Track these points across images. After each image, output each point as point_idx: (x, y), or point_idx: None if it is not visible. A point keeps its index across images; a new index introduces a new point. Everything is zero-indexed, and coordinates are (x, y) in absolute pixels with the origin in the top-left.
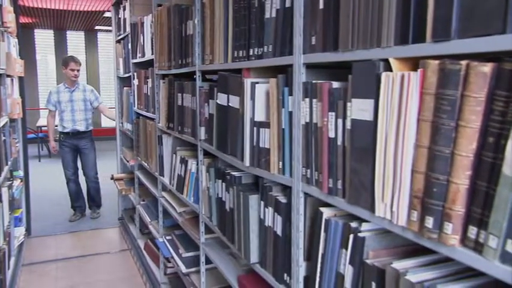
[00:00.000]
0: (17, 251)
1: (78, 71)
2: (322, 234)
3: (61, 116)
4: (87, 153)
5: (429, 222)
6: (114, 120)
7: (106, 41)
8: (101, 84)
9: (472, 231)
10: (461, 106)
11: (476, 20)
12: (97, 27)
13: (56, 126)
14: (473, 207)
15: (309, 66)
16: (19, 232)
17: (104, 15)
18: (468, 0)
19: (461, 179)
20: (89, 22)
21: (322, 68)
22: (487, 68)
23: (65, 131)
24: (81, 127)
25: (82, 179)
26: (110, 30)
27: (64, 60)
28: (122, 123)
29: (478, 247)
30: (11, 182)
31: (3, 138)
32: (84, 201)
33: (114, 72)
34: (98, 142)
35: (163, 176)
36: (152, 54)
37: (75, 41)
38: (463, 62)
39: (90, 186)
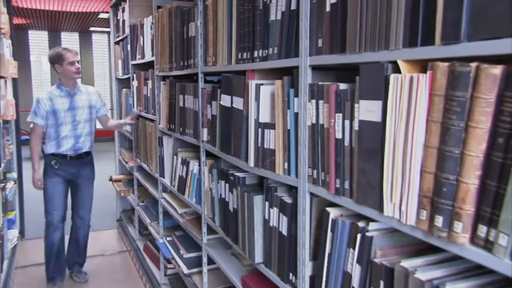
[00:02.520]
0: (11, 253)
1: (79, 63)
2: (329, 234)
3: (55, 132)
4: (86, 186)
5: (439, 221)
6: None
7: (101, 42)
8: (96, 86)
9: (482, 229)
10: (471, 107)
11: (486, 23)
12: (92, 29)
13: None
14: (483, 206)
15: (315, 68)
16: (12, 234)
17: (99, 16)
18: (478, 3)
19: (471, 179)
20: (84, 23)
21: (327, 70)
22: (497, 70)
23: (61, 152)
24: (85, 147)
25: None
26: (105, 32)
27: (55, 55)
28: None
29: (488, 245)
30: (4, 184)
31: None
32: (65, 261)
33: (110, 74)
34: (95, 143)
35: (163, 177)
36: (152, 55)
37: (70, 42)
38: (473, 64)
39: (81, 234)
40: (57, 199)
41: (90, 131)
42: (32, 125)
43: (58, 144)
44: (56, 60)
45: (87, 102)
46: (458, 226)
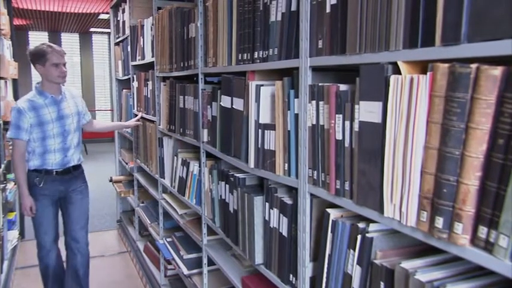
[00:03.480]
0: (11, 254)
1: (65, 66)
2: (329, 235)
3: (41, 147)
4: (78, 202)
5: (439, 222)
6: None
7: (101, 43)
8: (96, 87)
9: (482, 231)
10: (471, 108)
11: (486, 24)
12: (92, 30)
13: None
14: (483, 208)
15: (315, 69)
16: (12, 235)
17: (99, 17)
18: (478, 5)
19: (471, 180)
20: (84, 24)
21: (327, 71)
22: (498, 71)
23: (48, 168)
24: (74, 160)
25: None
26: (105, 33)
27: (36, 52)
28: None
29: (489, 246)
30: (4, 184)
31: None
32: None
33: (110, 75)
34: (95, 144)
35: (163, 178)
36: (152, 56)
37: (70, 43)
38: (473, 66)
39: (80, 263)
40: (46, 224)
41: (79, 141)
42: (12, 142)
43: (43, 159)
44: (36, 58)
45: (75, 108)
46: (458, 227)
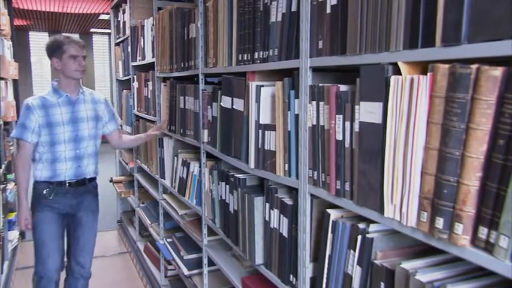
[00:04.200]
0: (11, 254)
1: (84, 59)
2: (330, 235)
3: (49, 153)
4: (89, 221)
5: (439, 222)
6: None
7: (101, 43)
8: (96, 87)
9: (483, 231)
10: (472, 109)
11: (486, 24)
12: (92, 30)
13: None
14: (483, 208)
15: (315, 70)
16: (13, 236)
17: (100, 17)
18: (478, 5)
19: (472, 181)
20: (84, 24)
21: (328, 71)
22: (498, 71)
23: (57, 179)
24: (89, 172)
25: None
26: (106, 33)
27: (53, 44)
28: (121, 125)
29: (489, 247)
30: (4, 185)
31: None
32: None
33: (110, 75)
34: None
35: (164, 179)
36: (153, 57)
37: None
38: (473, 66)
39: (81, 284)
40: (51, 242)
41: (95, 151)
42: (15, 143)
43: (53, 169)
44: (52, 50)
45: (93, 112)
46: (458, 228)
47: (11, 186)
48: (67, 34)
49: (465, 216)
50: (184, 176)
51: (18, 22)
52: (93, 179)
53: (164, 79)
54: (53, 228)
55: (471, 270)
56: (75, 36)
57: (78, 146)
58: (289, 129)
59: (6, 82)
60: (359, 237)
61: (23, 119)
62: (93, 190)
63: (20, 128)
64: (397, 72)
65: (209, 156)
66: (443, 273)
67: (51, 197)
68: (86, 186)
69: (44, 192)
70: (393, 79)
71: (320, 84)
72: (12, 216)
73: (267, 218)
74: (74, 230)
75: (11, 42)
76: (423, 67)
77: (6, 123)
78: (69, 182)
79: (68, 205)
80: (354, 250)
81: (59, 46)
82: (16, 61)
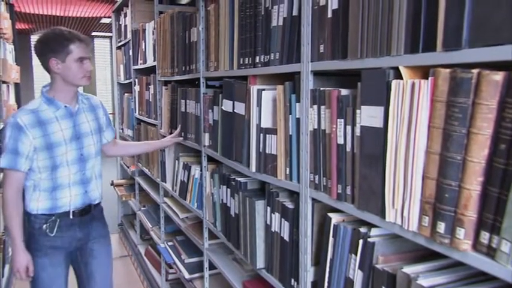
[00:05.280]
0: (12, 258)
1: (90, 60)
2: (331, 239)
3: (49, 180)
4: (103, 256)
5: (441, 227)
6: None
7: (103, 47)
8: (97, 90)
9: (485, 236)
10: (473, 113)
11: (487, 29)
12: (94, 33)
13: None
14: (485, 213)
15: (316, 74)
16: None
17: (101, 21)
18: (479, 10)
19: (473, 185)
20: (86, 28)
21: (329, 75)
22: (499, 76)
23: (60, 211)
24: (97, 196)
25: None
26: (107, 37)
27: (52, 41)
28: (122, 129)
29: (491, 252)
30: None
31: None
32: None
33: (112, 79)
34: None
35: (165, 182)
36: (154, 60)
37: None
38: (475, 71)
39: None
40: None
41: (101, 170)
42: (4, 173)
43: (53, 198)
44: (53, 49)
45: (95, 122)
46: (460, 232)
47: None
48: (68, 29)
49: (467, 221)
50: (186, 180)
51: (20, 26)
52: (98, 204)
53: (165, 82)
54: (58, 274)
55: (473, 275)
56: (78, 32)
57: (84, 167)
58: (290, 133)
59: (8, 85)
60: (360, 242)
61: (12, 142)
62: (100, 216)
63: (10, 154)
64: (398, 76)
65: (210, 159)
66: (445, 278)
67: (53, 233)
68: (91, 213)
69: (44, 227)
70: (394, 83)
71: (321, 88)
72: None
73: (268, 222)
74: (86, 265)
75: (12, 46)
76: (424, 71)
77: None
78: (75, 213)
79: (74, 241)
80: (355, 254)
81: (62, 44)
82: (18, 64)
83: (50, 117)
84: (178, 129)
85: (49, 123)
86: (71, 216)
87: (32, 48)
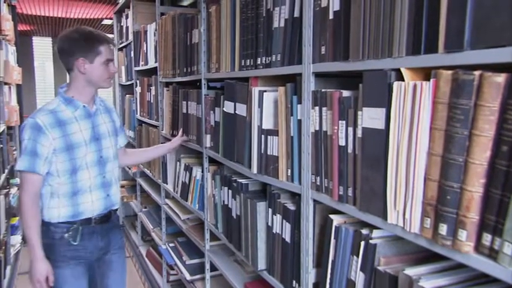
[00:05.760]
0: (14, 259)
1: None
2: (332, 241)
3: (69, 183)
4: (120, 267)
5: (443, 229)
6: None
7: None
8: (99, 92)
9: (487, 238)
10: (475, 115)
11: (489, 31)
12: None
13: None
14: (487, 215)
15: (318, 75)
16: (15, 240)
17: (103, 22)
18: (481, 12)
19: (475, 187)
20: None
21: (330, 77)
22: (501, 78)
23: (82, 217)
24: (117, 200)
25: None
26: None
27: (86, 40)
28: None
29: (493, 254)
30: (7, 189)
31: (0, 145)
32: None
33: (113, 80)
34: None
35: (166, 183)
36: (156, 62)
37: None
38: (476, 72)
39: None
40: None
41: (119, 173)
42: (20, 177)
43: (75, 203)
44: (82, 49)
45: (111, 124)
46: (462, 234)
47: (14, 190)
48: (93, 29)
49: (469, 223)
50: (187, 181)
51: (21, 27)
52: (116, 210)
53: (167, 84)
54: (81, 287)
55: (475, 277)
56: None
57: (103, 169)
58: (292, 135)
59: (10, 87)
60: (362, 243)
61: (31, 143)
62: (118, 224)
63: (28, 156)
64: (400, 78)
65: (212, 161)
66: (447, 280)
67: (76, 242)
68: (111, 220)
69: (66, 236)
70: (396, 85)
71: (323, 90)
72: (15, 221)
73: (269, 223)
74: (102, 277)
75: (14, 48)
76: (426, 73)
77: (9, 128)
78: (96, 220)
79: (96, 249)
80: (357, 256)
81: (93, 44)
82: (19, 66)
83: (69, 117)
84: (181, 131)
85: (68, 124)
86: (93, 224)
87: (34, 50)
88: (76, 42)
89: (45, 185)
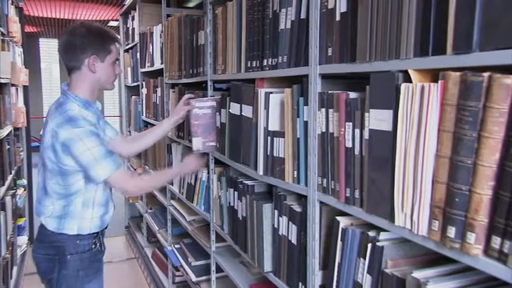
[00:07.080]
0: (20, 260)
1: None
2: (339, 243)
3: (103, 190)
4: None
5: (451, 232)
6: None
7: None
8: (104, 93)
9: (496, 241)
10: (484, 117)
11: (498, 32)
12: None
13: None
14: (496, 217)
15: (325, 77)
16: (22, 241)
17: (109, 24)
18: (490, 13)
19: (484, 189)
20: None
21: (337, 79)
22: (510, 80)
23: (105, 225)
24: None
25: None
26: None
27: (100, 37)
28: (129, 131)
29: (502, 257)
30: (14, 190)
31: (7, 147)
32: None
33: (119, 81)
34: None
35: (172, 185)
36: (161, 63)
37: None
38: (485, 74)
39: None
40: None
41: None
42: (111, 183)
43: (104, 213)
44: (95, 47)
45: (108, 124)
46: (471, 237)
47: (20, 191)
48: (102, 25)
49: (478, 226)
50: (193, 182)
51: (28, 29)
52: None
53: (173, 85)
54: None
55: (484, 280)
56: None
57: None
58: (298, 136)
59: (17, 88)
60: (369, 246)
61: (97, 149)
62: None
63: (105, 159)
64: (408, 79)
65: (217, 162)
66: (455, 283)
67: (103, 247)
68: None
69: (93, 247)
70: (404, 87)
71: (329, 91)
72: (21, 221)
73: (275, 225)
74: None
75: (21, 49)
76: (434, 75)
77: (16, 129)
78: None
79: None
80: (364, 258)
81: (106, 42)
82: (26, 67)
83: (94, 121)
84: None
85: (98, 129)
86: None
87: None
88: (89, 38)
89: (77, 194)
